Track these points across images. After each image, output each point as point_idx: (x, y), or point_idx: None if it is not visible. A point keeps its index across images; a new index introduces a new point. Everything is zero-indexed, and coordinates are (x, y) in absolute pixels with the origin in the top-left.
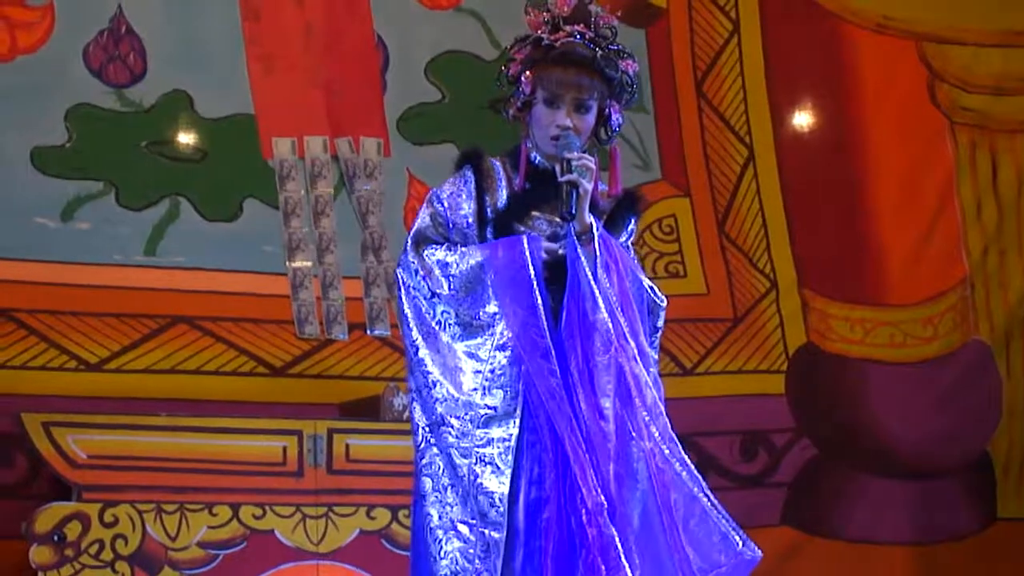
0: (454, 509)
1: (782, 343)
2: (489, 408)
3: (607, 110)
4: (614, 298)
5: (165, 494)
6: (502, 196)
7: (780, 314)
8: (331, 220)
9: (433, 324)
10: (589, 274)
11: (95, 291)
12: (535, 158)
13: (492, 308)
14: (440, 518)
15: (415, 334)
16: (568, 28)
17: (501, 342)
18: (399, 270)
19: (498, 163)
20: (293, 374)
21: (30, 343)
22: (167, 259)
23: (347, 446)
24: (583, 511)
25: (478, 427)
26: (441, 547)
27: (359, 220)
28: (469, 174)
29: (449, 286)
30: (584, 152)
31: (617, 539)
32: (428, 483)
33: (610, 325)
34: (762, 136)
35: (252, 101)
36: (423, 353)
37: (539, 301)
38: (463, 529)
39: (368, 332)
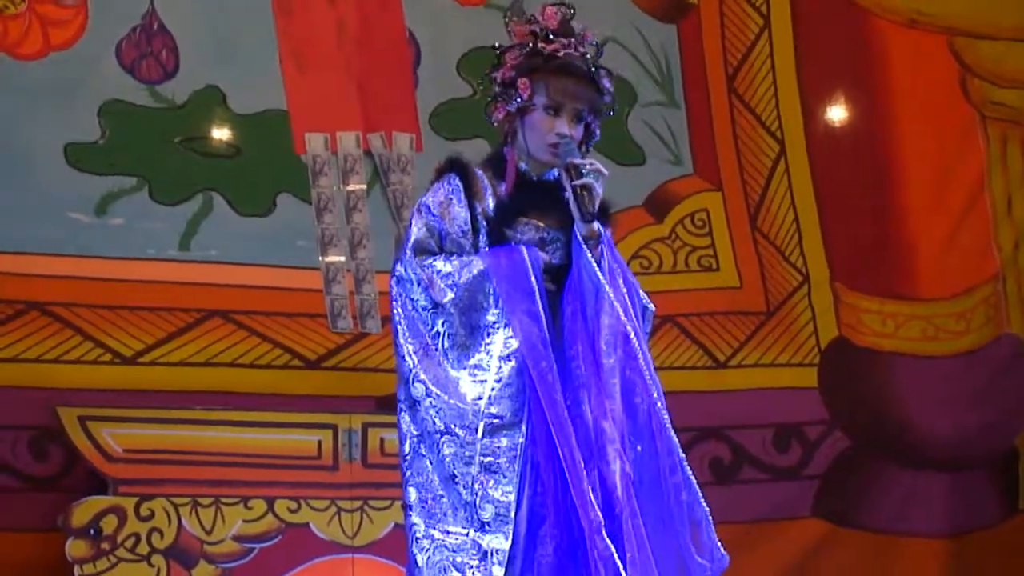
0: (445, 518)
1: (814, 336)
2: (495, 417)
3: (591, 124)
4: (622, 301)
5: (201, 488)
6: (490, 204)
7: (812, 308)
8: (364, 215)
9: (429, 337)
10: (602, 278)
11: (130, 285)
12: (524, 164)
13: (492, 317)
14: (426, 527)
15: (409, 347)
16: (563, 40)
17: (506, 352)
18: (393, 282)
19: (480, 171)
20: (327, 367)
21: (65, 336)
22: (201, 253)
23: (382, 440)
24: (585, 527)
25: (484, 436)
26: (428, 556)
27: (393, 215)
28: (457, 182)
29: (453, 295)
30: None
31: (616, 556)
32: (414, 493)
33: (628, 328)
34: (793, 131)
35: (285, 97)
36: (418, 365)
37: (542, 311)
38: (451, 540)
39: None
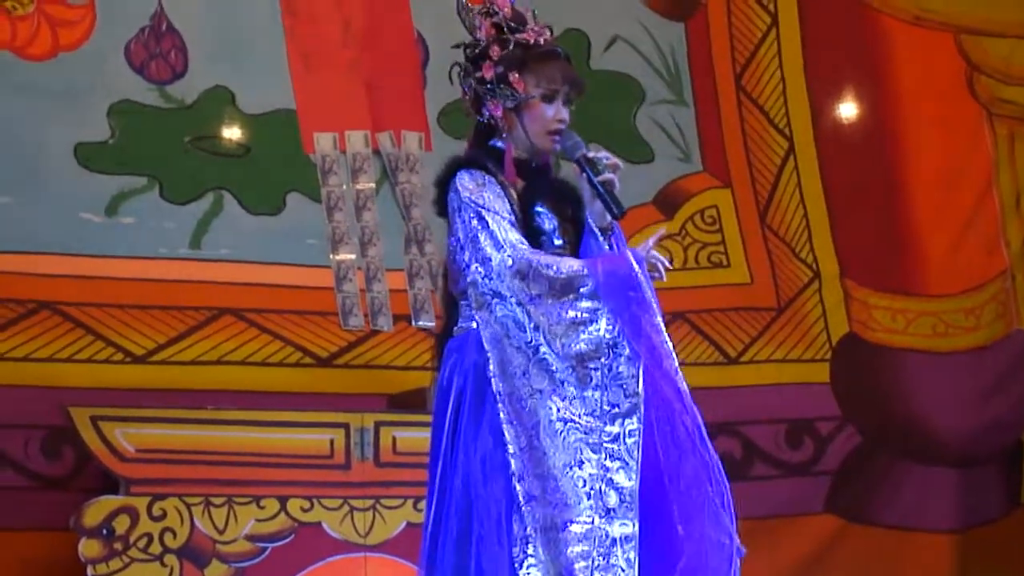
0: (568, 511)
1: (825, 333)
2: (612, 405)
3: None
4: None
5: (213, 487)
6: (512, 193)
7: (823, 304)
8: (373, 214)
9: (531, 335)
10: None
11: (141, 284)
12: (522, 154)
13: (588, 303)
14: (550, 520)
15: (524, 341)
16: (532, 28)
17: (611, 340)
18: (514, 282)
19: (490, 164)
20: (339, 365)
21: (76, 336)
22: (212, 252)
23: (394, 439)
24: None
25: (607, 423)
26: (563, 549)
27: (402, 213)
28: (487, 175)
29: (550, 285)
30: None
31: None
32: (532, 487)
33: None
34: (802, 128)
35: (293, 96)
36: (528, 359)
37: (653, 301)
38: (577, 529)
39: (413, 323)
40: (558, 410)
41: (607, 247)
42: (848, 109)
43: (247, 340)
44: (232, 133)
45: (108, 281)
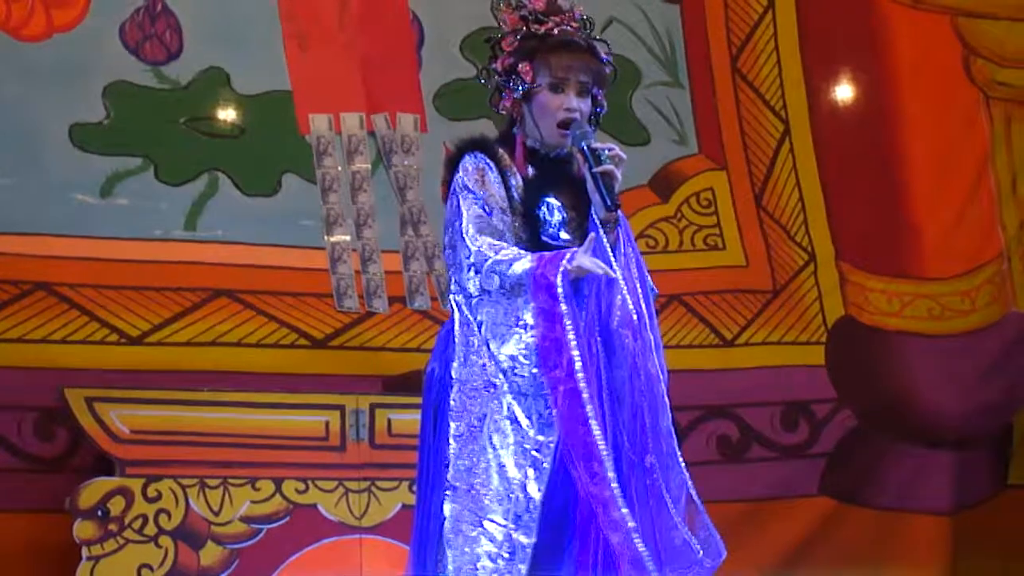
0: (489, 508)
1: (821, 315)
2: (539, 414)
3: (597, 96)
4: (632, 288)
5: (208, 469)
6: (516, 180)
7: (818, 286)
8: (369, 195)
9: (487, 324)
10: (615, 264)
11: (136, 265)
12: (534, 144)
13: (529, 314)
14: (472, 515)
15: (477, 331)
16: (554, 18)
17: (538, 349)
18: (470, 273)
19: (500, 149)
20: (334, 346)
21: (71, 317)
22: (207, 234)
23: (389, 420)
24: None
25: (536, 432)
26: (471, 546)
27: (397, 195)
28: (487, 160)
29: (500, 284)
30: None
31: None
32: (462, 478)
33: (635, 316)
34: (797, 111)
35: (289, 77)
36: (481, 350)
37: (570, 331)
38: (492, 529)
39: (408, 305)
40: (508, 407)
41: (610, 241)
42: (844, 91)
43: (242, 321)
44: (227, 114)
45: (103, 262)
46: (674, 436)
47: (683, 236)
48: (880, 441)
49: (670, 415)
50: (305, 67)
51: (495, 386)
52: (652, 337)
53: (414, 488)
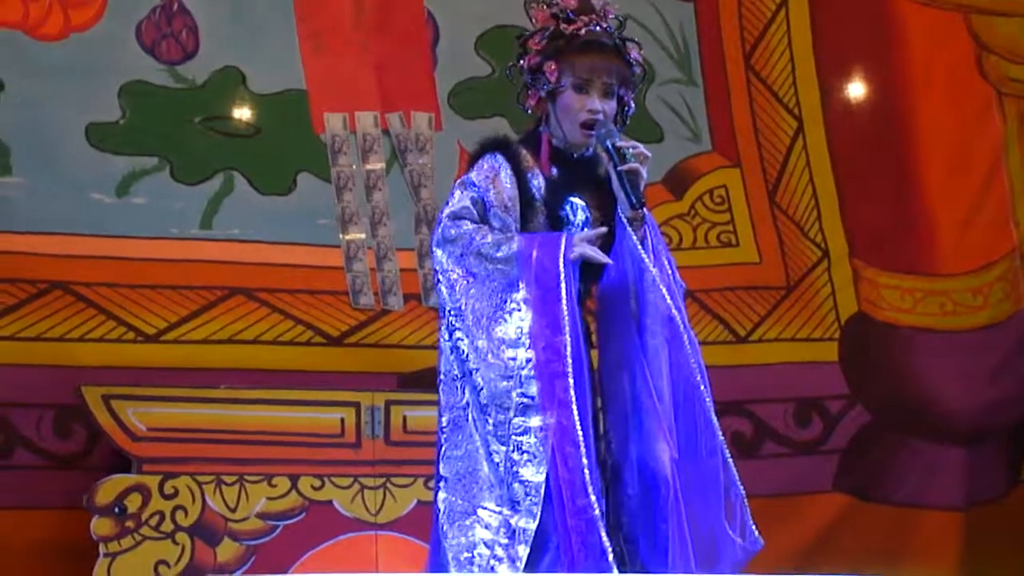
0: (480, 495)
1: (834, 312)
2: (527, 397)
3: (624, 97)
4: (666, 283)
5: (224, 466)
6: (539, 181)
7: (832, 283)
8: (383, 194)
9: (467, 308)
10: (647, 259)
11: (152, 264)
12: (559, 144)
13: (522, 295)
14: (464, 503)
15: (451, 319)
16: (584, 18)
17: (535, 331)
18: (437, 251)
19: (522, 149)
20: (350, 344)
21: (88, 315)
22: (223, 232)
23: (404, 417)
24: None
25: (516, 415)
26: (466, 533)
27: (412, 193)
28: (502, 159)
29: (487, 267)
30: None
31: (608, 548)
32: (452, 467)
33: (673, 310)
34: (811, 108)
35: (304, 76)
36: (458, 337)
37: (565, 316)
38: (485, 515)
39: (423, 302)
40: (489, 392)
41: (634, 237)
42: (857, 89)
43: (258, 319)
44: (242, 113)
45: (119, 261)
46: (716, 428)
47: (697, 233)
48: (894, 437)
49: (710, 408)
50: (320, 66)
51: (474, 371)
52: (687, 334)
53: (430, 484)
